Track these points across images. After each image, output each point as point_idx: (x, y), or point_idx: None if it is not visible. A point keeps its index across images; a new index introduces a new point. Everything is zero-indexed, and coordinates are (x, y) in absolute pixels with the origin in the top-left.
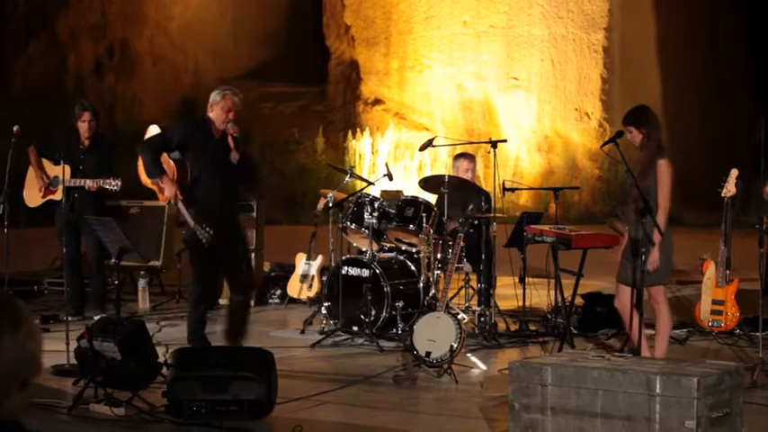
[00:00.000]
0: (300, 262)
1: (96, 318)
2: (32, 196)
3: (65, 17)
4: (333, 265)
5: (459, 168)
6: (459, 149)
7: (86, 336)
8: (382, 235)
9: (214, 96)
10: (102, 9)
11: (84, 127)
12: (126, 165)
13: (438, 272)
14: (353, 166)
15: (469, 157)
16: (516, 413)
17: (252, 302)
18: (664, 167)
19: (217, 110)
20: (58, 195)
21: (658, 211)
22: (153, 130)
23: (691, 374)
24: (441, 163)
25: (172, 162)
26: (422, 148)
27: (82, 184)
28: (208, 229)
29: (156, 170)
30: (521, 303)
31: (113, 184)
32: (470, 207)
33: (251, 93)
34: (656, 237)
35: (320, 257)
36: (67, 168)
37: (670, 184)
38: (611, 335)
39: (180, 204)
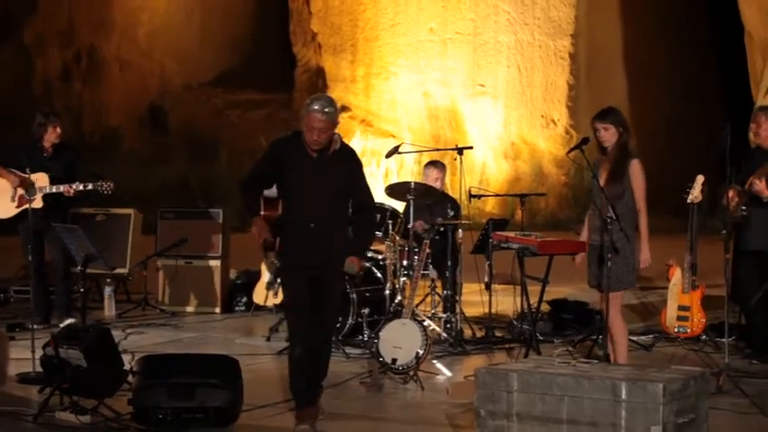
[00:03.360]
0: (267, 269)
1: (62, 325)
2: (2, 207)
3: (32, 23)
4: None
5: (429, 177)
6: (427, 157)
7: (52, 343)
8: None
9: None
10: (69, 15)
11: (53, 136)
12: (92, 170)
13: (404, 279)
14: None
15: (439, 166)
16: (482, 420)
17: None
18: (637, 168)
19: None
20: (38, 203)
21: (641, 211)
22: None
23: (656, 380)
24: (407, 170)
25: None
26: (388, 156)
27: (67, 190)
28: None
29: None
30: (487, 310)
31: (106, 187)
32: (438, 220)
33: (217, 100)
34: (645, 233)
35: None
36: (45, 176)
37: (645, 184)
38: (577, 341)
39: None
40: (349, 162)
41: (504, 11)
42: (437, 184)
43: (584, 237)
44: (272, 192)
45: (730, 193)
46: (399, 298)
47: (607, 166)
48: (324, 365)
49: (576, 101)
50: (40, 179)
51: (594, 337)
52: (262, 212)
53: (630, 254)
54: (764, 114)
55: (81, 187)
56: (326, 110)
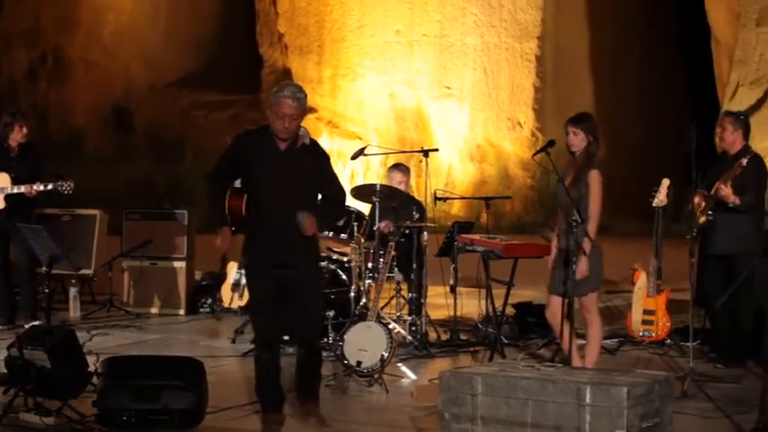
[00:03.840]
0: (232, 271)
1: (27, 326)
2: None
3: None
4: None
5: (393, 180)
6: (393, 159)
7: (17, 344)
8: None
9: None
10: (35, 15)
11: (20, 135)
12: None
13: (369, 281)
14: None
15: (403, 168)
16: (446, 423)
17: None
18: (596, 178)
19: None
20: (0, 204)
21: (590, 220)
22: None
23: (621, 384)
24: (373, 172)
25: None
26: (353, 157)
27: (28, 190)
28: None
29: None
30: (452, 313)
31: (66, 187)
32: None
33: (183, 101)
34: (587, 246)
35: None
36: (6, 177)
37: (601, 195)
38: (541, 344)
39: None
40: (317, 155)
41: (470, 13)
42: (401, 187)
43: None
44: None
45: (696, 198)
46: (364, 300)
47: (572, 171)
48: (314, 377)
49: (543, 103)
50: (2, 179)
51: (559, 340)
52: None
53: (597, 257)
54: (729, 120)
55: (42, 187)
56: (297, 95)
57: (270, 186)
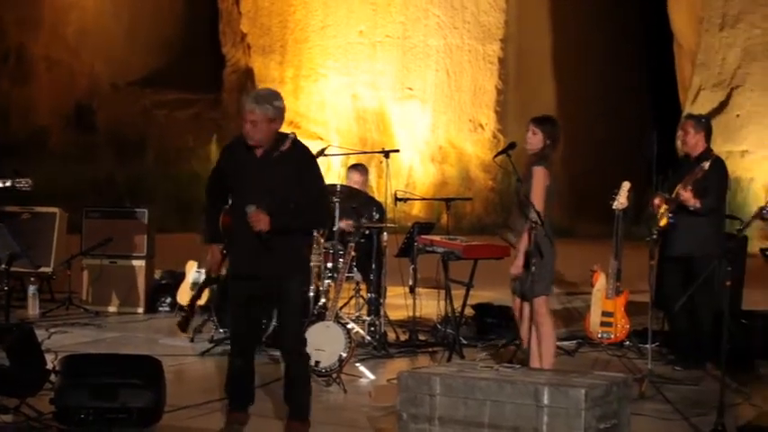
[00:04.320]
0: (191, 270)
1: None
2: None
3: None
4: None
5: (351, 180)
6: (353, 160)
7: None
8: None
9: None
10: None
11: None
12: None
13: (328, 281)
14: None
15: (361, 169)
16: (404, 423)
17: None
18: (538, 173)
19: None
20: None
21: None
22: None
23: (578, 386)
24: (334, 173)
25: None
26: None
27: None
28: None
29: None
30: (411, 313)
31: (24, 183)
32: (362, 220)
33: (145, 100)
34: (523, 242)
35: None
36: None
37: (542, 190)
38: (500, 345)
39: None
40: (295, 161)
41: (433, 14)
42: (359, 187)
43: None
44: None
45: (657, 201)
46: (323, 300)
47: (524, 171)
48: (297, 392)
49: (505, 105)
50: None
51: (518, 341)
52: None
53: (549, 259)
54: (691, 123)
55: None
56: (259, 103)
57: (244, 195)
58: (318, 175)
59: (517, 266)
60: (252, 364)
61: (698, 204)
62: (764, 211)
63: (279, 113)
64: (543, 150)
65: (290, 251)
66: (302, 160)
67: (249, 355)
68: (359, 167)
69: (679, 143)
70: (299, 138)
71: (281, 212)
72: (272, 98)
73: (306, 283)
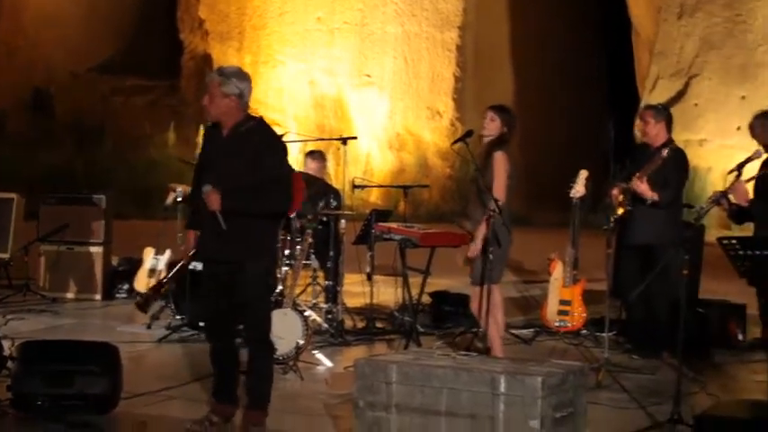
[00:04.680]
0: (148, 256)
1: None
2: None
3: None
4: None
5: (308, 167)
6: (311, 146)
7: None
8: None
9: None
10: None
11: None
12: None
13: (286, 268)
14: None
15: (317, 156)
16: (361, 411)
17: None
18: (498, 158)
19: None
20: None
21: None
22: None
23: (535, 374)
24: (291, 159)
25: None
26: None
27: None
28: None
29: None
30: (368, 301)
31: None
32: (320, 204)
33: (103, 86)
34: (481, 229)
35: (168, 252)
36: None
37: (504, 175)
38: (458, 333)
39: None
40: (257, 144)
41: (392, 2)
42: (316, 174)
43: (469, 230)
44: None
45: (615, 190)
46: (281, 287)
47: (481, 159)
48: (256, 381)
49: (462, 93)
50: None
51: (475, 329)
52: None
53: (506, 246)
54: (650, 113)
55: None
56: (220, 76)
57: (209, 176)
58: (280, 160)
59: (474, 251)
60: (232, 351)
61: (656, 197)
62: (721, 199)
63: (237, 92)
64: (501, 137)
65: (250, 236)
66: (263, 142)
67: (225, 341)
68: (316, 154)
69: (638, 133)
70: None
71: (235, 194)
72: (236, 76)
73: (270, 270)
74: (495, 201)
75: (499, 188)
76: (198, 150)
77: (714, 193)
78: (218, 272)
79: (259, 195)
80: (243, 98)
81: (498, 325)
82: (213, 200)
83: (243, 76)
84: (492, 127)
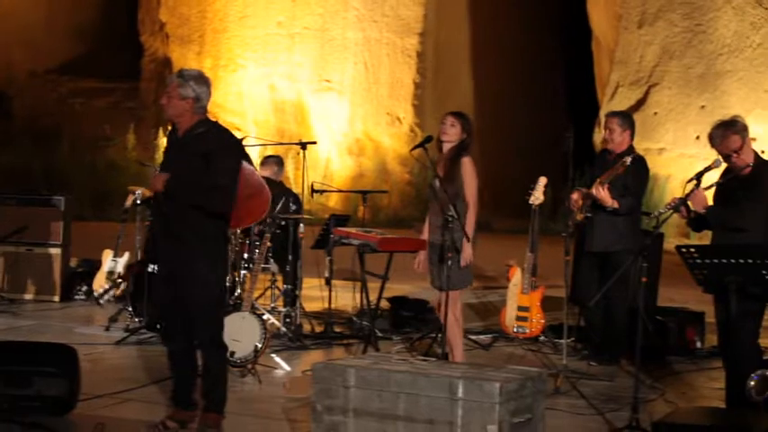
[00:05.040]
0: (107, 258)
1: None
2: None
3: None
4: (139, 262)
5: (265, 172)
6: (271, 151)
7: None
8: None
9: None
10: None
11: None
12: None
13: (244, 272)
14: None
15: (271, 162)
16: (318, 415)
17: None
18: (468, 165)
19: None
20: None
21: (469, 208)
22: None
23: (493, 379)
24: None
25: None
26: None
27: None
28: None
29: None
30: (326, 305)
31: None
32: (277, 208)
33: (62, 88)
34: (470, 231)
35: (127, 254)
36: None
37: (476, 181)
38: (416, 338)
39: None
40: (208, 147)
41: (353, 7)
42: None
43: (425, 236)
44: None
45: (575, 195)
46: (239, 291)
47: (443, 166)
48: (210, 382)
49: (422, 99)
50: None
51: (434, 335)
52: None
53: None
54: (617, 120)
55: None
56: (179, 78)
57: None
58: (228, 167)
59: (467, 256)
60: (189, 355)
61: (615, 205)
62: (680, 205)
63: (194, 95)
64: (463, 142)
65: (200, 238)
66: (214, 146)
67: (180, 343)
68: (269, 160)
69: (600, 139)
70: None
71: (180, 182)
72: (194, 79)
73: (219, 273)
74: (455, 206)
75: (472, 194)
76: (160, 152)
77: (673, 200)
78: (169, 273)
79: (200, 192)
80: (199, 102)
81: (459, 331)
82: (157, 179)
83: (202, 80)
84: (452, 132)
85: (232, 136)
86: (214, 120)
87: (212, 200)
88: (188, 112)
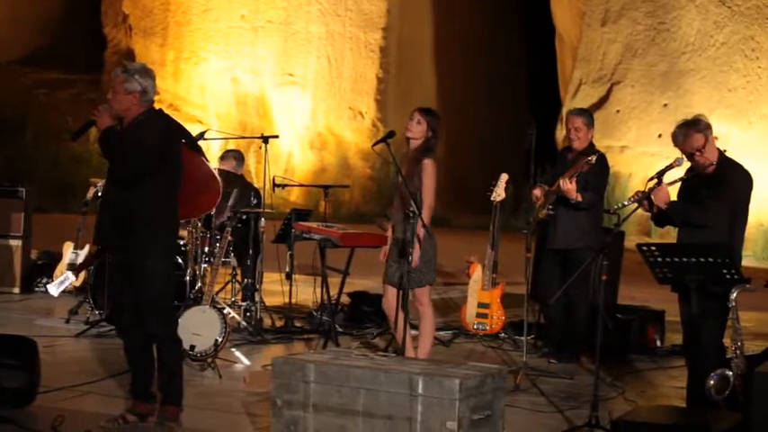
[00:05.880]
0: (68, 251)
1: None
2: None
3: None
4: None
5: (224, 166)
6: (232, 144)
7: None
8: None
9: None
10: None
11: None
12: None
13: (205, 265)
14: None
15: (228, 157)
16: (278, 410)
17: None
18: (429, 167)
19: None
20: None
21: (423, 210)
22: None
23: (453, 376)
24: (212, 156)
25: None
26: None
27: None
28: None
29: None
30: (287, 300)
31: None
32: (231, 200)
33: (26, 79)
34: (420, 233)
35: (88, 247)
36: None
37: (434, 184)
38: (376, 334)
39: None
40: (140, 132)
41: (316, 1)
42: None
43: (391, 232)
44: None
45: (537, 192)
46: (199, 285)
47: (407, 163)
48: (165, 374)
49: (385, 94)
50: None
51: (394, 331)
52: None
53: (431, 249)
54: (582, 119)
55: None
56: (124, 72)
57: (108, 166)
58: (146, 144)
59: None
60: (145, 348)
61: (579, 198)
62: (643, 199)
63: (140, 89)
64: (428, 141)
65: (145, 225)
66: (145, 131)
67: (133, 336)
68: (232, 153)
69: (563, 137)
70: (177, 120)
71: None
72: (139, 73)
73: (167, 259)
74: (416, 203)
75: (429, 196)
76: None
77: (636, 193)
78: (121, 262)
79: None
80: (146, 94)
81: (428, 329)
82: (101, 112)
83: (146, 72)
84: (417, 130)
85: (170, 121)
86: (159, 108)
87: (128, 159)
88: (135, 106)
